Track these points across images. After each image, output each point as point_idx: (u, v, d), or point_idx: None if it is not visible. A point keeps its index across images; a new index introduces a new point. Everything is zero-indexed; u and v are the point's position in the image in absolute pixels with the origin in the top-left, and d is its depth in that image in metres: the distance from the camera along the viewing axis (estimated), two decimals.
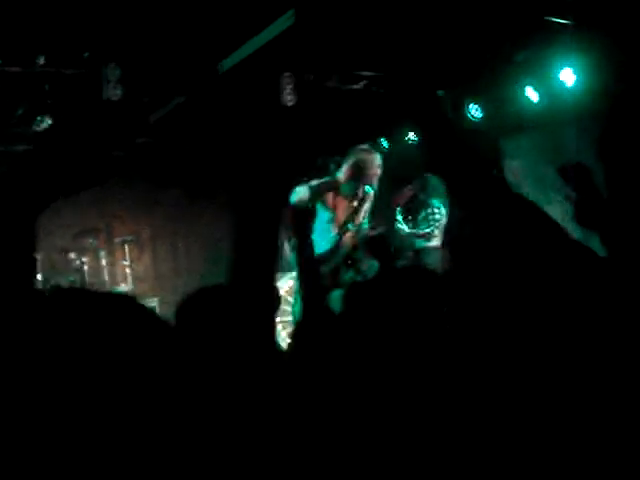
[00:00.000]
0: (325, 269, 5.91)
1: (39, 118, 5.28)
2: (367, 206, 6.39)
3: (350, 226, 6.31)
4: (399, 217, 7.95)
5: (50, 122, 5.26)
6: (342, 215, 6.30)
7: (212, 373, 1.79)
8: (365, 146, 6.45)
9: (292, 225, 3.44)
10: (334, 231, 6.22)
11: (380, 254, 3.40)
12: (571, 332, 1.68)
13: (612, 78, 6.97)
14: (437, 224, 7.62)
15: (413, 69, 8.28)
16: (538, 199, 7.71)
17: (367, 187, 6.30)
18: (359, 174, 6.25)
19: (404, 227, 7.90)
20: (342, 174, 6.26)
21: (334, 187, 6.33)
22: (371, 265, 6.11)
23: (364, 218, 6.39)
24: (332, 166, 6.54)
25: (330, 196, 6.28)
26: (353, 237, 6.32)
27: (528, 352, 1.70)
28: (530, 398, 1.69)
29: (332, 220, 6.24)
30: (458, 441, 1.75)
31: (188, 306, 1.96)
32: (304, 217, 3.43)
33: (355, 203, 6.31)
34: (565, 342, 1.67)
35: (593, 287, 1.77)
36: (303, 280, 3.17)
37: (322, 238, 5.97)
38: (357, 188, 6.29)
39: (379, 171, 6.30)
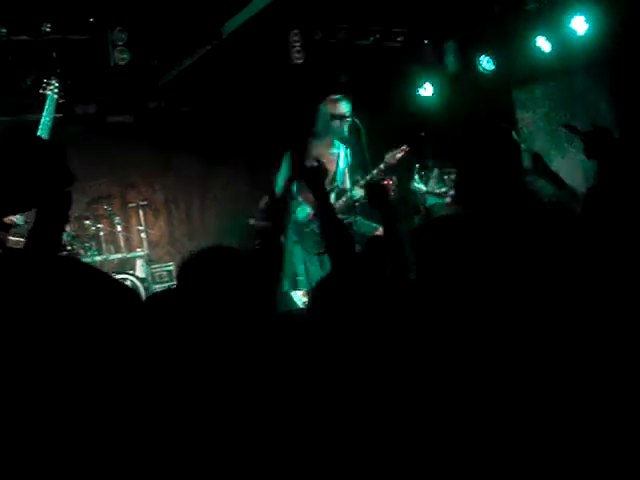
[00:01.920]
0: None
1: (45, 81, 5.24)
2: (340, 165, 6.45)
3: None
4: (416, 176, 7.99)
5: (57, 85, 5.22)
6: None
7: (214, 336, 1.79)
8: (334, 96, 6.50)
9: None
10: None
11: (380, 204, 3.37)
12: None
13: (623, 25, 6.87)
14: (451, 183, 7.70)
15: (422, 21, 8.19)
16: (550, 151, 7.68)
17: (335, 146, 6.42)
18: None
19: (421, 186, 7.96)
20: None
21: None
22: (362, 223, 6.18)
23: (333, 179, 6.42)
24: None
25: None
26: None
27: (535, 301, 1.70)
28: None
29: None
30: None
31: (190, 266, 1.96)
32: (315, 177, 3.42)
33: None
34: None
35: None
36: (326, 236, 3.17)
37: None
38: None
39: (344, 120, 6.34)
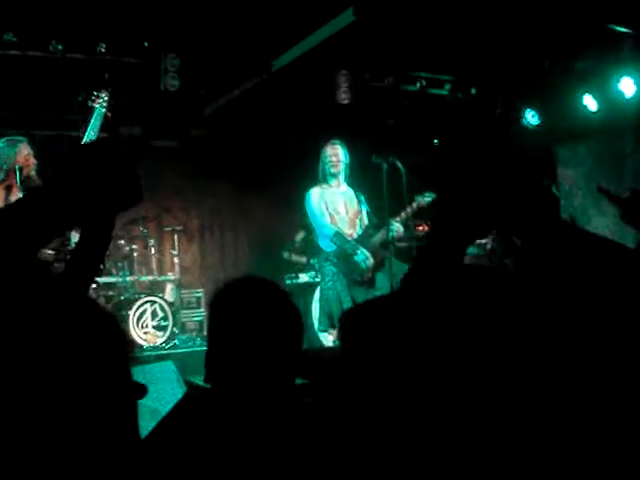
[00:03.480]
0: None
1: (95, 93, 5.12)
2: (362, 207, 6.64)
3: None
4: None
5: (106, 98, 5.11)
6: None
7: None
8: (333, 140, 6.61)
9: None
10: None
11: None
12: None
13: None
14: (491, 236, 7.70)
15: (471, 72, 8.24)
16: (588, 210, 7.67)
17: (348, 188, 6.68)
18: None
19: None
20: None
21: None
22: (394, 263, 6.22)
23: (359, 219, 6.57)
24: (385, 166, 6.55)
25: None
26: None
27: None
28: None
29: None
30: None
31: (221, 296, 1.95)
32: None
33: None
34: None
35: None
36: None
37: None
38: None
39: (337, 163, 6.48)
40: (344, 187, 6.62)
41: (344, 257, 6.36)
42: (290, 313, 1.91)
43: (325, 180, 6.54)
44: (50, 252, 5.10)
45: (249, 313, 1.86)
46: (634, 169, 7.68)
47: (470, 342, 1.99)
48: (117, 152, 1.45)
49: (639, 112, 7.32)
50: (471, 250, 7.94)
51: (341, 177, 6.58)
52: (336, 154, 6.51)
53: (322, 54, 7.10)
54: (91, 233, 2.28)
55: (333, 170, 6.51)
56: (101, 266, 2.50)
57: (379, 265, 6.39)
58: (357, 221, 6.60)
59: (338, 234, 6.37)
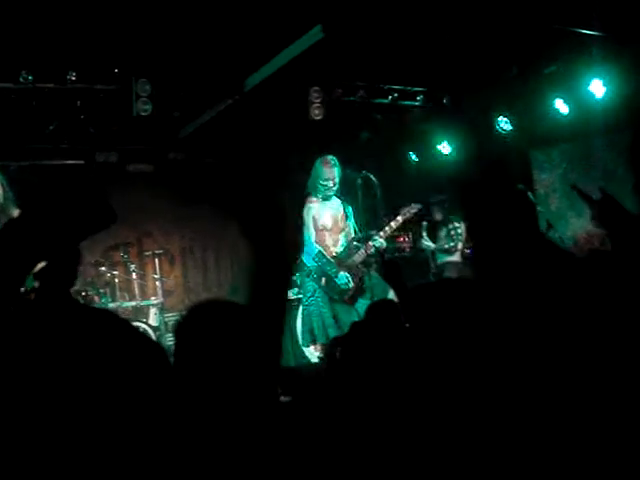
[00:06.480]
0: None
1: None
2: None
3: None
4: (424, 234, 8.12)
5: None
6: None
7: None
8: (329, 157, 6.60)
9: None
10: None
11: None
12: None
13: None
14: (460, 238, 7.83)
15: (442, 82, 8.30)
16: (566, 213, 7.69)
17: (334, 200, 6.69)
18: None
19: (429, 244, 8.11)
20: None
21: None
22: (374, 277, 6.28)
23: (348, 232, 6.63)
24: (359, 180, 6.59)
25: None
26: None
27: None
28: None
29: None
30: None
31: (192, 319, 1.95)
32: None
33: None
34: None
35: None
36: None
37: None
38: None
39: (331, 184, 6.51)
40: (334, 201, 6.63)
41: (325, 276, 6.39)
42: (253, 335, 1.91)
43: (316, 194, 6.54)
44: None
45: (212, 338, 1.87)
46: (604, 169, 7.74)
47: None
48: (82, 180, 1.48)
49: (609, 113, 7.38)
50: (444, 258, 8.06)
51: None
52: (333, 177, 6.49)
53: (293, 71, 7.13)
54: (56, 261, 2.29)
55: (329, 192, 6.53)
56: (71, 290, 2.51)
57: (360, 283, 6.44)
58: (341, 236, 6.61)
59: (320, 254, 6.38)
